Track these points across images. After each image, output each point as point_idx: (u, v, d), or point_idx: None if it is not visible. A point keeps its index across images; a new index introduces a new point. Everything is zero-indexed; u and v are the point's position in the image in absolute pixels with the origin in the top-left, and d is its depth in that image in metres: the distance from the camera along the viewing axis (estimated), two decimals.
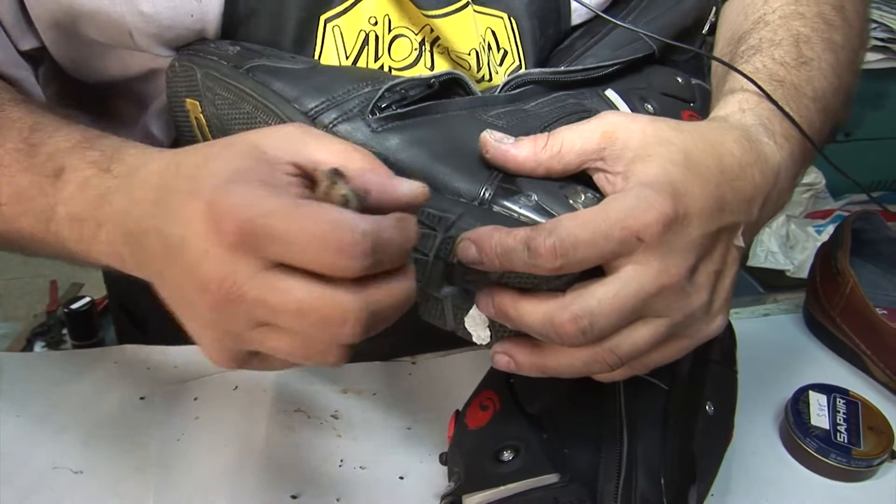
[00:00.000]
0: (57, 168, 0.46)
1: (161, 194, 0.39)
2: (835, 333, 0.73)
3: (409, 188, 0.40)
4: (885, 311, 0.72)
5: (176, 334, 0.42)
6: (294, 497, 0.53)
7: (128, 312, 0.81)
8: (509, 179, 0.45)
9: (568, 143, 0.45)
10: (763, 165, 0.47)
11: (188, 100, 0.55)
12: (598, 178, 0.45)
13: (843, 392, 0.65)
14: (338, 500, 0.53)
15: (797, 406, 0.63)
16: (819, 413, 0.63)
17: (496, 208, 0.44)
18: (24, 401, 0.61)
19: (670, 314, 0.43)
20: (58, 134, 0.49)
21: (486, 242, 0.41)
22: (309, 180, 0.38)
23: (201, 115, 0.54)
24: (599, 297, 0.41)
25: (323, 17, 0.55)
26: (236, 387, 0.62)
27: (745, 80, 0.52)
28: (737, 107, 0.51)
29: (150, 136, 0.63)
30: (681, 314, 0.43)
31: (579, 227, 0.40)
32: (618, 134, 0.45)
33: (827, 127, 0.55)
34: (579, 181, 0.46)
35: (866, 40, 0.63)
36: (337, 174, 0.37)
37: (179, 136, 0.58)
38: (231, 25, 0.54)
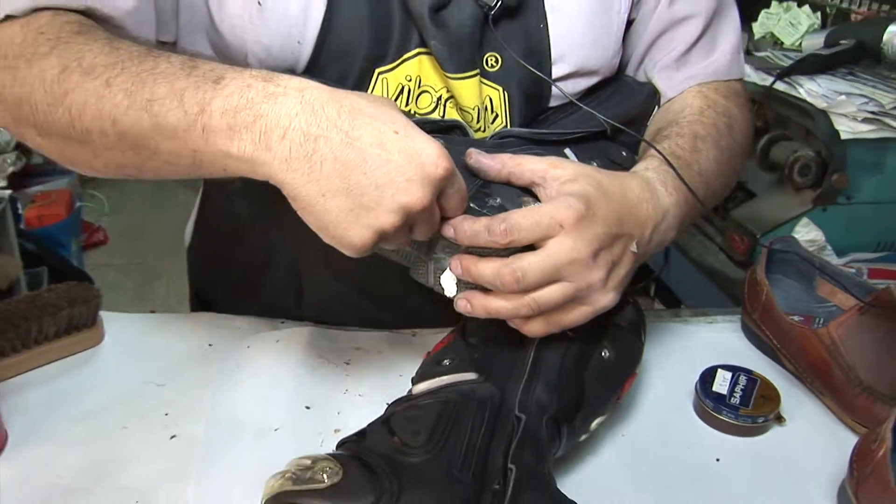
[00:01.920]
0: (217, 76, 0.57)
1: (366, 107, 0.57)
2: (756, 332, 0.90)
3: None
4: (801, 318, 0.89)
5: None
6: (307, 408, 0.75)
7: (201, 300, 1.05)
8: (486, 187, 0.67)
9: (525, 163, 0.68)
10: (655, 203, 0.71)
11: None
12: (540, 192, 0.68)
13: (748, 371, 0.82)
14: (338, 413, 0.74)
15: (706, 378, 0.81)
16: (721, 383, 0.80)
17: (472, 205, 0.65)
18: (131, 342, 0.84)
19: (576, 280, 0.64)
20: (211, 61, 0.60)
21: (460, 226, 0.63)
22: None
23: None
24: (530, 260, 0.63)
25: (377, 70, 0.78)
26: (278, 340, 0.84)
27: (654, 151, 0.76)
28: (644, 166, 0.75)
29: None
30: (584, 282, 0.64)
31: (522, 216, 0.63)
32: (560, 166, 0.68)
33: (709, 195, 0.80)
34: (530, 194, 0.68)
35: (748, 149, 0.90)
36: None
37: None
38: (313, 66, 0.77)
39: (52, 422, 0.73)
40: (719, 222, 1.66)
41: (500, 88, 0.81)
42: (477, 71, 0.79)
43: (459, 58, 0.77)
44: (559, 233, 0.63)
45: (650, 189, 0.72)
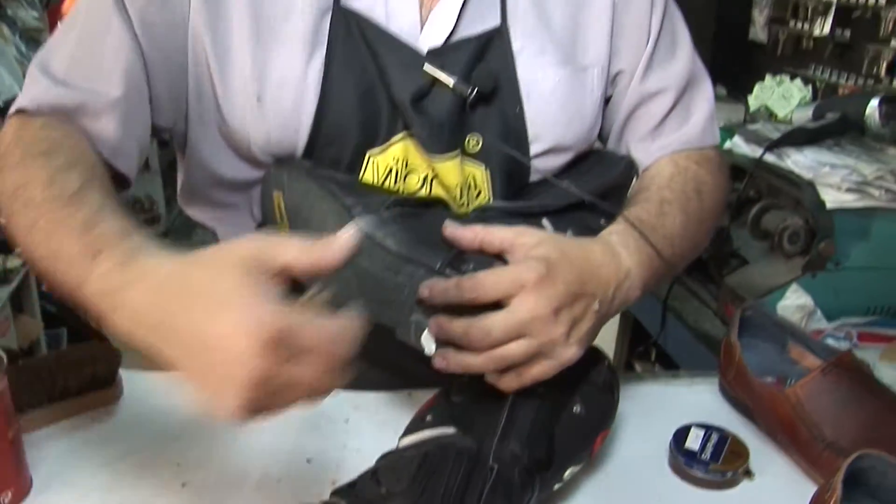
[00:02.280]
0: (96, 250, 0.62)
1: (182, 299, 0.55)
2: (731, 393, 0.96)
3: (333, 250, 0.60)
4: (775, 379, 0.95)
5: None
6: (308, 461, 0.81)
7: None
8: (461, 255, 0.74)
9: (495, 233, 0.75)
10: (617, 265, 0.79)
11: (275, 192, 0.86)
12: (509, 258, 0.75)
13: (720, 429, 0.87)
14: (337, 466, 0.80)
15: (680, 435, 0.86)
16: (694, 440, 0.86)
17: (448, 271, 0.72)
18: (147, 398, 0.91)
19: (538, 336, 0.70)
20: (109, 220, 0.66)
21: (433, 287, 0.70)
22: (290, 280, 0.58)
23: (282, 203, 0.86)
24: (496, 318, 0.70)
25: (369, 153, 0.87)
26: None
27: (621, 216, 0.84)
28: (609, 230, 0.83)
29: (251, 215, 0.94)
30: (546, 337, 0.71)
31: (488, 276, 0.70)
32: (526, 234, 0.75)
33: (676, 257, 0.86)
34: (502, 261, 0.75)
35: (718, 213, 0.97)
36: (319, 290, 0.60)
37: (264, 218, 0.90)
38: (310, 151, 0.85)
39: (74, 470, 0.79)
40: (714, 288, 1.72)
41: (483, 166, 0.89)
42: (458, 152, 0.87)
43: (440, 142, 0.85)
44: (522, 292, 0.70)
45: (611, 252, 0.79)
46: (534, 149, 0.90)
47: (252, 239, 0.59)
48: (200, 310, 0.55)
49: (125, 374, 0.92)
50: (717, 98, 2.59)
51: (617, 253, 0.80)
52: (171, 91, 0.86)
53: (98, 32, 0.82)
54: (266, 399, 0.55)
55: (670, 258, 0.84)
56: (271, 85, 0.83)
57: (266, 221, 0.89)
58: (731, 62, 2.60)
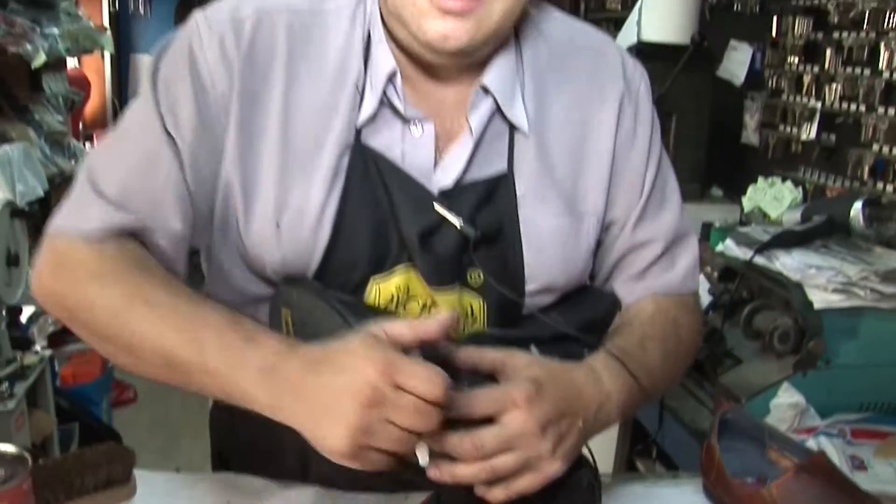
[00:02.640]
0: (251, 338, 0.78)
1: (323, 361, 0.74)
2: (713, 492, 1.00)
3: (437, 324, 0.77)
4: (755, 479, 1.00)
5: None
6: None
7: (222, 459, 1.16)
8: (455, 375, 0.81)
9: (487, 354, 0.83)
10: (599, 388, 0.86)
11: (284, 308, 0.92)
12: (500, 377, 0.82)
13: None
14: None
15: None
16: None
17: None
18: (160, 498, 0.96)
19: (527, 450, 0.77)
20: (246, 319, 0.82)
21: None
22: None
23: (290, 319, 0.92)
24: (488, 431, 0.77)
25: (373, 278, 0.93)
26: (288, 500, 0.96)
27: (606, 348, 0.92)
28: (593, 357, 0.91)
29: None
30: (534, 452, 0.78)
31: (481, 393, 0.78)
32: (516, 356, 0.83)
33: (653, 387, 0.95)
34: (494, 380, 0.82)
35: (692, 351, 1.06)
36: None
37: (271, 328, 0.95)
38: (320, 276, 0.92)
39: None
40: (709, 387, 1.76)
41: (481, 299, 0.95)
42: (457, 286, 0.93)
43: (442, 277, 0.92)
44: (512, 409, 0.77)
45: (594, 376, 0.87)
46: (529, 287, 0.97)
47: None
48: (337, 371, 0.73)
49: (139, 474, 0.98)
50: (714, 199, 2.69)
51: (599, 377, 0.87)
52: (204, 214, 0.93)
53: (150, 162, 0.88)
54: (370, 435, 0.71)
55: (648, 387, 0.91)
56: (291, 213, 0.90)
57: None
58: (726, 164, 2.70)
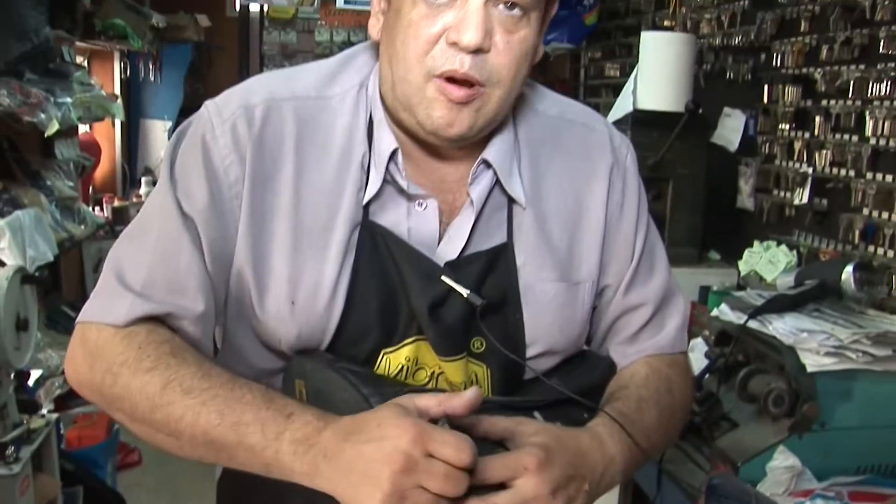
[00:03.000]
0: (288, 413, 0.84)
1: (356, 431, 0.79)
2: None
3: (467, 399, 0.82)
4: None
5: None
6: None
7: None
8: None
9: (498, 422, 0.87)
10: (603, 452, 0.91)
11: (297, 380, 0.96)
12: (510, 444, 0.86)
13: None
14: None
15: None
16: None
17: None
18: None
19: None
20: (279, 395, 0.87)
21: None
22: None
23: (304, 390, 0.96)
24: (502, 497, 0.81)
25: (383, 351, 0.98)
26: None
27: (605, 412, 0.96)
28: (596, 422, 0.95)
29: None
30: None
31: (494, 460, 0.82)
32: (525, 423, 0.87)
33: (651, 447, 0.99)
34: (503, 447, 0.86)
35: (686, 409, 1.11)
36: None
37: None
38: (332, 349, 0.97)
39: None
40: (706, 450, 1.78)
41: (484, 366, 1.00)
42: (464, 354, 0.98)
43: (450, 346, 0.97)
44: (524, 475, 0.81)
45: (599, 441, 0.91)
46: (529, 352, 1.02)
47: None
48: (372, 440, 0.78)
49: None
50: (711, 262, 2.74)
51: (604, 442, 0.92)
52: (220, 295, 0.98)
53: (171, 250, 0.94)
54: (403, 500, 0.75)
55: (647, 448, 0.96)
56: (304, 290, 0.95)
57: None
58: (722, 229, 2.75)
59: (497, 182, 1.01)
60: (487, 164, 1.00)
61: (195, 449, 0.87)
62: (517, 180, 1.02)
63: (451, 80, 0.91)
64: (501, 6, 0.91)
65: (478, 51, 0.90)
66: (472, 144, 1.00)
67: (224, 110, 0.97)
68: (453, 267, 0.98)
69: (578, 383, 1.01)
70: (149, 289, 0.93)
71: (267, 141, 0.96)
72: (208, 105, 0.99)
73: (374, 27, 0.98)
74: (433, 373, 0.99)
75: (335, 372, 0.90)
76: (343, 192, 0.97)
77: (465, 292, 0.95)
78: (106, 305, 0.93)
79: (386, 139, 0.98)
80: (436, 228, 0.99)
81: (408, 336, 0.97)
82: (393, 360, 0.97)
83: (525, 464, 0.82)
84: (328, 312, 0.95)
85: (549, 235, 1.03)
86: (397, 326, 0.97)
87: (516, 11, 0.91)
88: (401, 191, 0.98)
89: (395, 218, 0.98)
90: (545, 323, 1.02)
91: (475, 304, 0.95)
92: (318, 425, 0.82)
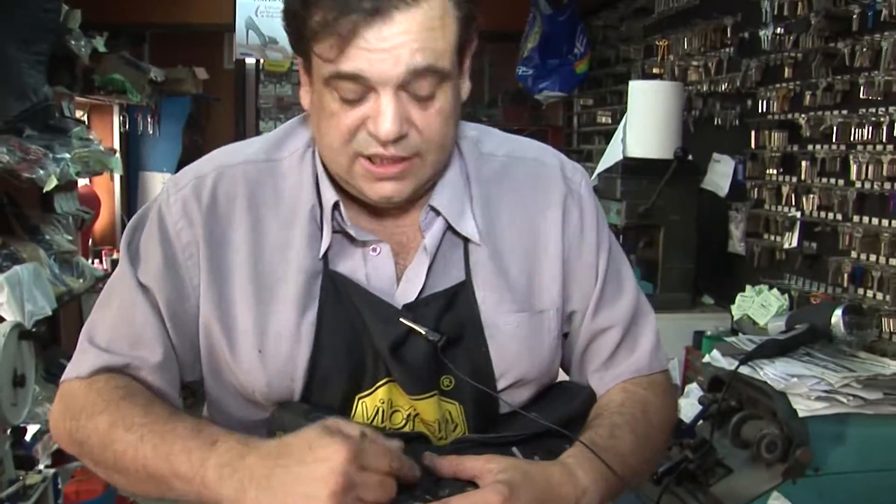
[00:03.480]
0: (213, 441, 0.88)
1: (285, 454, 0.83)
2: None
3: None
4: None
5: None
6: None
7: None
8: (439, 481, 0.87)
9: (466, 461, 0.89)
10: (574, 483, 0.91)
11: (278, 432, 0.97)
12: (479, 483, 0.87)
13: None
14: None
15: None
16: None
17: (427, 496, 0.85)
18: None
19: None
20: (210, 425, 0.92)
21: None
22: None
23: None
24: None
25: (357, 396, 1.00)
26: None
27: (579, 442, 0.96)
28: (567, 454, 0.96)
29: None
30: None
31: (461, 499, 0.84)
32: (493, 461, 0.88)
33: (629, 472, 0.98)
34: (474, 486, 0.87)
35: (666, 431, 1.11)
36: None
37: None
38: (307, 395, 1.00)
39: None
40: (702, 497, 1.78)
41: (457, 403, 1.02)
42: (435, 392, 1.00)
43: (418, 384, 0.99)
44: None
45: (569, 472, 0.92)
46: (500, 384, 1.04)
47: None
48: (306, 462, 0.82)
49: None
50: (705, 307, 2.75)
51: (574, 473, 0.92)
52: (191, 352, 1.03)
53: (128, 310, 1.01)
54: None
55: (623, 474, 0.96)
56: (270, 339, 0.99)
57: None
58: (715, 273, 2.77)
59: (449, 224, 1.04)
60: (436, 211, 1.04)
61: (140, 483, 0.92)
62: (469, 220, 1.05)
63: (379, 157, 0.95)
64: (412, 90, 0.93)
65: (398, 137, 0.93)
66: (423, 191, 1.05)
67: (179, 182, 1.05)
68: (411, 308, 1.01)
69: (558, 415, 1.02)
70: (113, 345, 1.01)
71: (220, 204, 1.03)
72: (168, 181, 1.07)
73: (304, 98, 1.02)
74: (409, 414, 1.01)
75: (311, 422, 0.92)
76: (294, 245, 1.02)
77: (422, 331, 0.98)
78: (76, 363, 1.02)
79: (327, 194, 1.02)
80: (392, 271, 1.03)
81: (378, 379, 1.00)
82: (369, 404, 1.00)
83: (489, 501, 0.83)
84: (295, 359, 0.99)
85: (506, 269, 1.06)
86: (366, 370, 1.00)
87: (427, 92, 0.94)
88: (353, 239, 1.02)
89: (353, 265, 1.02)
90: (512, 354, 1.04)
91: (435, 341, 0.97)
92: (241, 450, 0.86)
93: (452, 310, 1.02)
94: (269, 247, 1.02)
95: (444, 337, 0.98)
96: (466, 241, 1.05)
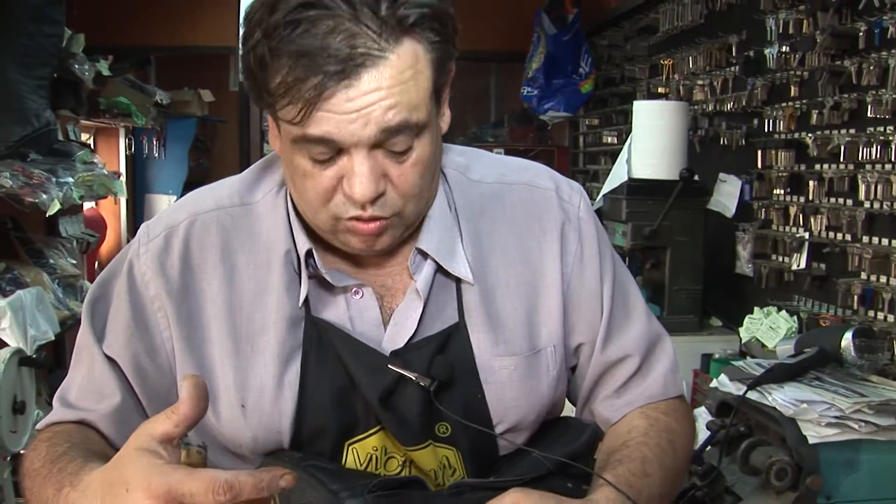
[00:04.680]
0: (61, 485, 0.81)
1: (105, 492, 0.73)
2: None
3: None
4: None
5: None
6: None
7: None
8: None
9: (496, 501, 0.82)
10: None
11: None
12: None
13: None
14: None
15: None
16: None
17: None
18: None
19: None
20: (74, 462, 0.85)
21: None
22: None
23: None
24: None
25: (347, 443, 0.95)
26: None
27: (608, 483, 0.90)
28: (600, 495, 0.88)
29: None
30: None
31: None
32: (519, 502, 0.82)
33: None
34: None
35: (689, 459, 1.05)
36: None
37: None
38: (295, 444, 0.95)
39: None
40: None
41: (454, 449, 0.97)
42: (429, 442, 0.95)
43: (411, 435, 0.94)
44: None
45: None
46: (498, 429, 0.99)
47: (140, 427, 0.75)
48: (112, 495, 0.72)
49: None
50: (712, 329, 2.71)
51: None
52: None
53: (92, 367, 0.99)
54: None
55: None
56: (252, 393, 0.95)
57: None
58: (722, 295, 2.73)
59: (439, 265, 0.99)
60: (424, 254, 0.98)
61: None
62: (461, 259, 0.99)
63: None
64: (388, 147, 0.87)
65: (375, 197, 0.88)
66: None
67: (152, 232, 1.01)
68: (401, 353, 0.96)
69: (561, 453, 0.97)
70: (78, 401, 0.98)
71: (192, 254, 0.99)
72: (141, 229, 1.03)
73: (274, 143, 0.96)
74: (405, 461, 0.96)
75: (302, 471, 0.88)
76: (272, 292, 0.97)
77: (412, 376, 0.93)
78: (46, 421, 1.00)
79: (300, 240, 0.97)
80: (377, 315, 0.98)
81: (370, 427, 0.95)
82: (360, 451, 0.95)
83: None
84: (280, 412, 0.94)
85: (500, 308, 1.00)
86: (357, 418, 0.95)
87: (403, 148, 0.88)
88: (331, 284, 0.97)
89: (336, 310, 0.97)
90: (509, 398, 0.98)
91: (426, 387, 0.92)
92: (73, 495, 0.80)
93: (445, 353, 0.97)
94: (246, 294, 0.98)
95: (436, 382, 0.93)
96: (459, 280, 0.99)
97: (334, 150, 0.86)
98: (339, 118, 0.83)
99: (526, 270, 1.02)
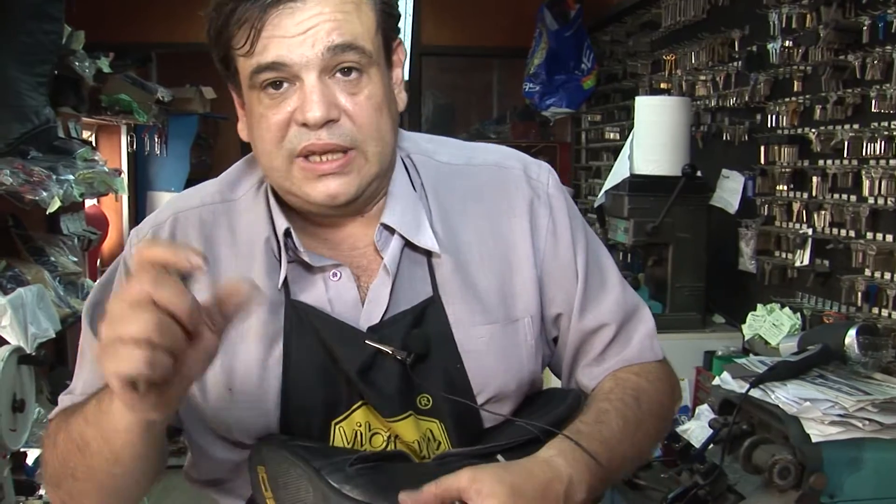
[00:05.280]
0: (88, 406, 0.90)
1: None
2: None
3: None
4: None
5: None
6: None
7: None
8: None
9: (449, 484, 0.83)
10: (557, 476, 0.88)
11: (258, 467, 0.96)
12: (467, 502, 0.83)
13: None
14: None
15: None
16: None
17: None
18: None
19: None
20: (88, 403, 0.92)
21: None
22: None
23: (265, 475, 0.95)
24: None
25: (333, 422, 0.98)
26: None
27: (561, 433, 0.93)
28: (547, 446, 0.92)
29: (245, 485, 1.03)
30: None
31: None
32: (476, 479, 0.83)
33: (617, 458, 0.96)
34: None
35: (659, 416, 1.07)
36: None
37: (254, 491, 0.98)
38: (283, 425, 0.97)
39: None
40: None
41: (437, 421, 0.99)
42: (410, 413, 0.97)
43: (392, 407, 0.96)
44: None
45: (550, 467, 0.88)
46: (479, 399, 1.01)
47: None
48: None
49: None
50: (715, 326, 2.69)
51: (555, 466, 0.89)
52: None
53: (95, 365, 1.00)
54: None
55: (609, 460, 0.93)
56: (238, 377, 0.97)
57: (255, 495, 0.98)
58: (725, 292, 2.72)
59: (407, 239, 1.02)
60: (390, 229, 1.02)
61: (94, 457, 0.91)
62: (427, 233, 1.03)
63: (314, 154, 0.95)
64: (338, 74, 0.95)
65: (328, 122, 0.93)
66: (374, 207, 1.03)
67: (140, 232, 1.08)
68: (377, 329, 0.99)
69: (545, 421, 0.99)
70: (84, 393, 1.01)
71: None
72: (131, 233, 1.10)
73: (242, 130, 1.03)
74: (389, 436, 0.98)
75: (288, 449, 0.91)
76: (254, 278, 1.00)
77: (389, 350, 0.96)
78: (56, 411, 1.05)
79: (279, 220, 1.02)
80: (355, 295, 1.01)
81: (353, 403, 0.98)
82: (346, 429, 0.98)
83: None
84: (265, 392, 0.97)
85: (474, 280, 1.03)
86: (340, 396, 0.98)
87: (353, 75, 0.95)
88: (311, 266, 1.01)
89: (315, 293, 1.01)
90: (488, 367, 1.01)
91: (403, 359, 0.95)
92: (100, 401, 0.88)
93: (422, 326, 1.00)
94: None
95: (413, 354, 0.96)
96: (430, 255, 1.02)
97: (287, 78, 0.94)
98: (289, 41, 0.92)
99: (497, 245, 1.06)
